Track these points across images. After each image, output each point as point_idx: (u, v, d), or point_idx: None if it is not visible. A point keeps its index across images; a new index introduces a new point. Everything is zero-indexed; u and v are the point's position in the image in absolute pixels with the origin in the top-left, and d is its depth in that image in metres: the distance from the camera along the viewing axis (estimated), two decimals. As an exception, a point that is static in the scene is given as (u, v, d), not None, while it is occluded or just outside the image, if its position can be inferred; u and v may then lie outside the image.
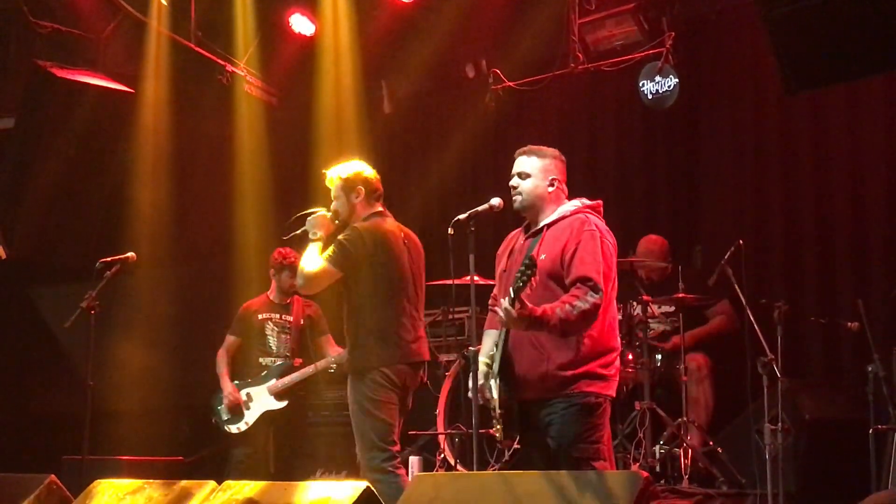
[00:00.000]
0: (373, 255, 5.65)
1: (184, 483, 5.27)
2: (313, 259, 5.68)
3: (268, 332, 7.78)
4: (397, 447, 5.66)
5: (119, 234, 8.49)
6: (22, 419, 9.91)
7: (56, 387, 9.66)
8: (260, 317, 7.84)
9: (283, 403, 7.64)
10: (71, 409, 7.59)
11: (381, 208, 5.91)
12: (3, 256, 8.78)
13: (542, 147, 5.03)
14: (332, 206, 5.88)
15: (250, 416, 7.65)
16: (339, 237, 5.72)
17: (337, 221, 5.85)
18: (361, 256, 5.65)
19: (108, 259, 6.85)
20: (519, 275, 4.45)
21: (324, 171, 5.97)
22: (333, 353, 7.67)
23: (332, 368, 7.61)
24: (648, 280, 7.63)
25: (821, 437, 6.51)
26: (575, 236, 4.73)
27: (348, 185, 5.85)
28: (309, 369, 7.66)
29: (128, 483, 5.44)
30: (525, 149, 5.03)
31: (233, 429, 7.67)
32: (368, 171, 5.93)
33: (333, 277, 5.68)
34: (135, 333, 9.28)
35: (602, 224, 4.86)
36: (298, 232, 5.84)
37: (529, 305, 4.52)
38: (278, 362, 7.75)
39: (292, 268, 7.47)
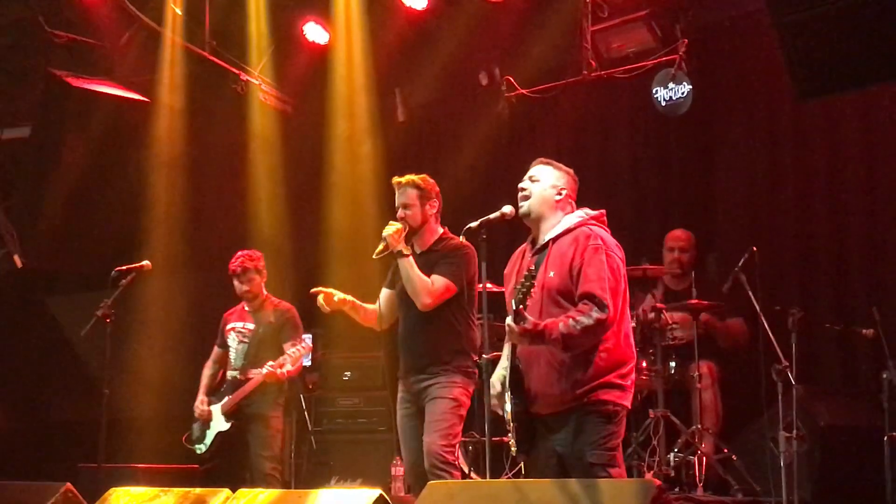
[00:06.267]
0: (475, 274, 5.69)
1: (198, 491, 5.32)
2: (420, 275, 5.60)
3: (230, 342, 7.40)
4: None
5: (134, 242, 8.52)
6: (39, 427, 9.93)
7: (72, 395, 9.67)
8: (228, 326, 7.49)
9: (229, 425, 7.20)
10: (87, 417, 7.63)
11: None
12: (20, 265, 8.84)
13: (559, 163, 5.04)
14: (399, 214, 5.74)
15: (208, 439, 7.30)
16: (454, 255, 5.69)
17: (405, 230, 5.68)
18: (472, 274, 5.70)
19: (124, 268, 6.89)
20: (519, 287, 4.48)
21: (396, 178, 5.80)
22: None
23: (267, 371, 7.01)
24: (673, 276, 7.62)
25: (835, 445, 6.49)
26: (580, 252, 4.69)
27: (425, 196, 5.78)
28: (250, 384, 7.12)
29: (143, 491, 5.48)
30: (543, 159, 5.05)
31: (197, 449, 7.37)
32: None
33: (452, 293, 5.65)
34: (150, 341, 9.31)
35: (607, 235, 4.83)
36: (381, 248, 5.61)
37: (532, 320, 4.52)
38: (234, 375, 7.33)
39: (239, 275, 7.36)
